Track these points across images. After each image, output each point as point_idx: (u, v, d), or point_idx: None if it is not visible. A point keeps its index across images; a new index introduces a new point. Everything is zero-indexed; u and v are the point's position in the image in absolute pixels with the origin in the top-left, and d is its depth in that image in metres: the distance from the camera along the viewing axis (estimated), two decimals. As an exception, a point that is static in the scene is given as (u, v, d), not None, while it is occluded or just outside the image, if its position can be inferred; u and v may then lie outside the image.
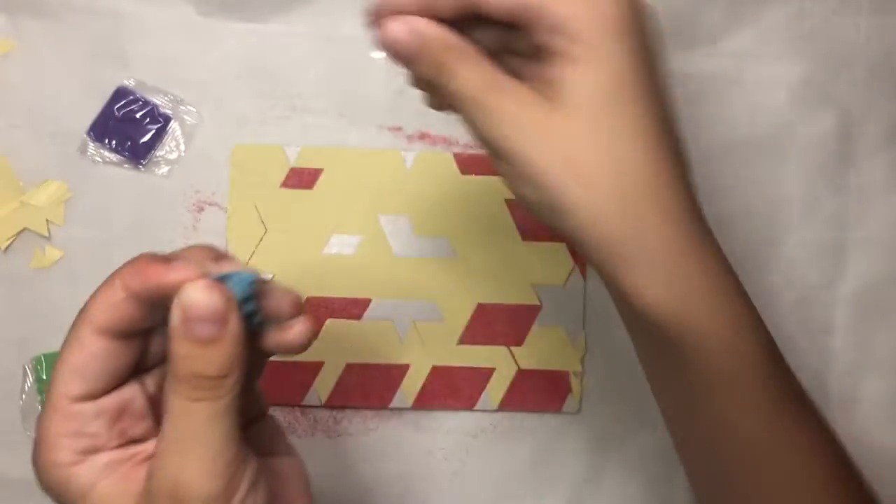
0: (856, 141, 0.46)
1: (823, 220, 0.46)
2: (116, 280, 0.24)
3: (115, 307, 0.24)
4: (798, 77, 0.46)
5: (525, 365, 0.45)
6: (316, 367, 0.45)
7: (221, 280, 0.24)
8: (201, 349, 0.23)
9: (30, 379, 0.44)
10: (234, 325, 0.23)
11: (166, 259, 0.25)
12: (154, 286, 0.24)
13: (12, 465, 0.44)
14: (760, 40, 0.46)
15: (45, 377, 0.44)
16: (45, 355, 0.44)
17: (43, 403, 0.43)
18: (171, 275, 0.23)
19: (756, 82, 0.46)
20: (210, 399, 0.23)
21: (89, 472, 0.23)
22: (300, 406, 0.45)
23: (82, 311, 0.24)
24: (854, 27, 0.46)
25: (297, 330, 0.26)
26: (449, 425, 0.45)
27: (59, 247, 0.45)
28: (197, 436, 0.23)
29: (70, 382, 0.24)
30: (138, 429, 0.25)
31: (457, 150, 0.46)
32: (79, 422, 0.24)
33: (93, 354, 0.24)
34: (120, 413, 0.25)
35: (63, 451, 0.23)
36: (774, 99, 0.46)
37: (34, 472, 0.24)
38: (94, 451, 0.24)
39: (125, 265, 0.25)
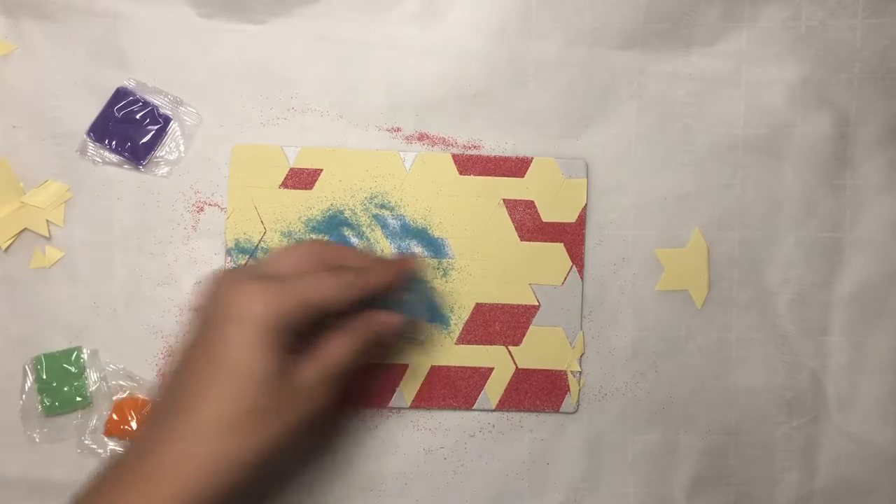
0: (852, 141, 0.46)
1: (820, 220, 0.46)
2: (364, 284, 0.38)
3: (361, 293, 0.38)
4: (795, 78, 0.46)
5: (523, 364, 0.45)
6: (315, 366, 0.45)
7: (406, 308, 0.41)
8: (375, 333, 0.39)
9: (30, 379, 0.44)
10: (396, 331, 0.40)
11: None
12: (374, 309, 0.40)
13: (12, 465, 0.44)
14: (758, 42, 0.46)
15: (45, 377, 0.44)
16: (45, 355, 0.44)
17: (43, 403, 0.44)
18: (386, 317, 0.40)
19: (753, 83, 0.46)
20: (360, 347, 0.38)
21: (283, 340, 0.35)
22: (299, 405, 0.45)
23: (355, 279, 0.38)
24: (850, 29, 0.46)
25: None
26: (448, 424, 0.46)
27: (59, 247, 0.45)
28: (343, 355, 0.37)
29: (321, 303, 0.36)
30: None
31: (455, 150, 0.46)
32: (299, 322, 0.35)
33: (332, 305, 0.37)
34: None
35: (284, 320, 0.34)
36: (771, 100, 0.46)
37: (241, 297, 0.34)
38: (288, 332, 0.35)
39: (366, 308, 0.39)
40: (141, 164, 0.45)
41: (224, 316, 0.34)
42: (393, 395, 0.45)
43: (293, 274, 0.36)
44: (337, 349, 0.37)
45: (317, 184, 0.45)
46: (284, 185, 0.45)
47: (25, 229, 0.45)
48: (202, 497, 0.33)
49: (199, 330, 0.35)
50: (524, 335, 0.45)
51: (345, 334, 0.37)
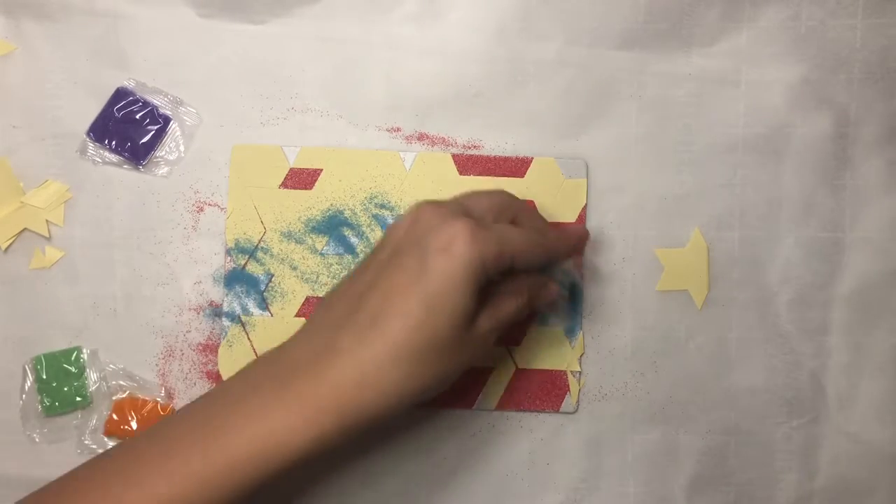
0: (852, 142, 0.46)
1: (820, 220, 0.46)
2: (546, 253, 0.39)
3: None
4: (795, 78, 0.46)
5: (523, 365, 0.45)
6: (315, 366, 0.45)
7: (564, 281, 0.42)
8: (540, 298, 0.40)
9: (30, 379, 0.44)
10: (554, 301, 0.41)
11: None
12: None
13: (12, 465, 0.44)
14: (757, 42, 0.46)
15: (44, 377, 0.44)
16: (44, 355, 0.44)
17: (42, 403, 0.44)
18: (554, 287, 0.41)
19: (753, 83, 0.46)
20: (525, 308, 0.38)
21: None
22: (299, 406, 0.45)
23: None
24: (850, 29, 0.46)
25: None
26: (448, 424, 0.46)
27: (59, 247, 0.45)
28: (514, 311, 0.38)
29: (514, 256, 0.36)
30: None
31: (455, 150, 0.46)
32: (496, 270, 0.36)
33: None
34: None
35: (485, 264, 0.34)
36: (771, 100, 0.46)
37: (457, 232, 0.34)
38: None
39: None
40: (141, 164, 0.45)
41: (435, 248, 0.34)
42: (393, 395, 0.45)
43: (485, 219, 0.37)
44: (510, 304, 0.37)
45: (317, 184, 0.45)
46: (284, 185, 0.45)
47: (25, 229, 0.45)
48: (367, 415, 0.33)
49: (399, 254, 0.35)
50: (524, 335, 0.45)
51: (517, 292, 0.38)
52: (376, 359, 0.33)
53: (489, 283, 0.36)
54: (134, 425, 0.44)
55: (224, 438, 0.33)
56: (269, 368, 0.35)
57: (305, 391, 0.33)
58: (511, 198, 0.39)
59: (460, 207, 0.37)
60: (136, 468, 0.33)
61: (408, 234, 0.35)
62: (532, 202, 0.45)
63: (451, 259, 0.33)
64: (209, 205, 0.45)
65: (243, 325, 0.45)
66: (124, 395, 0.44)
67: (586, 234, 0.42)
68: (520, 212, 0.39)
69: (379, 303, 0.34)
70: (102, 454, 0.35)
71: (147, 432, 0.35)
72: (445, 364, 0.34)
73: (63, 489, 0.34)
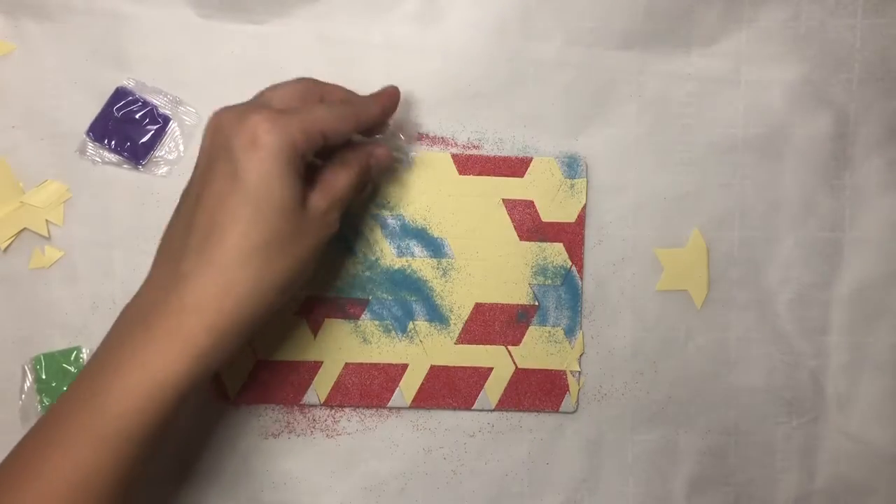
0: (851, 141, 0.46)
1: (819, 220, 0.46)
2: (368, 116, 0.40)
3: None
4: (794, 78, 0.46)
5: (523, 364, 0.45)
6: (315, 366, 0.45)
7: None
8: (370, 164, 0.40)
9: (29, 379, 0.44)
10: (387, 165, 0.42)
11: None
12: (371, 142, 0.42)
13: (11, 465, 0.44)
14: (757, 41, 0.46)
15: (44, 377, 0.44)
16: (44, 355, 0.44)
17: (42, 403, 0.44)
18: (380, 149, 0.41)
19: (753, 83, 0.46)
20: (360, 177, 0.39)
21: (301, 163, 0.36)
22: (299, 405, 0.45)
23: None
24: (849, 29, 0.46)
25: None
26: (447, 424, 0.46)
27: (58, 247, 0.45)
28: (347, 184, 0.38)
29: (324, 132, 0.36)
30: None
31: (454, 150, 0.46)
32: (309, 150, 0.36)
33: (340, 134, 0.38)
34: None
35: (296, 149, 0.35)
36: (771, 100, 0.46)
37: (256, 126, 0.34)
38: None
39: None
40: (140, 164, 0.45)
41: (240, 147, 0.34)
42: (392, 394, 0.45)
43: (290, 107, 0.37)
44: (342, 178, 0.38)
45: (316, 184, 0.45)
46: (284, 184, 0.45)
47: (25, 229, 0.45)
48: (237, 323, 0.34)
49: (211, 165, 0.35)
50: (524, 335, 0.45)
51: (346, 165, 0.39)
52: (223, 269, 0.34)
53: (313, 163, 0.37)
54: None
55: (110, 397, 0.33)
56: (132, 317, 0.35)
57: (170, 325, 0.34)
58: (314, 81, 0.40)
59: (259, 101, 0.37)
60: (37, 458, 0.34)
61: (213, 141, 0.36)
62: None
63: (258, 151, 0.34)
64: (209, 205, 0.45)
65: (243, 324, 0.45)
66: (124, 395, 0.44)
67: (396, 92, 0.42)
68: (326, 92, 0.39)
69: (208, 217, 0.34)
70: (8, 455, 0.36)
71: (37, 424, 0.36)
72: (293, 253, 0.35)
73: None
